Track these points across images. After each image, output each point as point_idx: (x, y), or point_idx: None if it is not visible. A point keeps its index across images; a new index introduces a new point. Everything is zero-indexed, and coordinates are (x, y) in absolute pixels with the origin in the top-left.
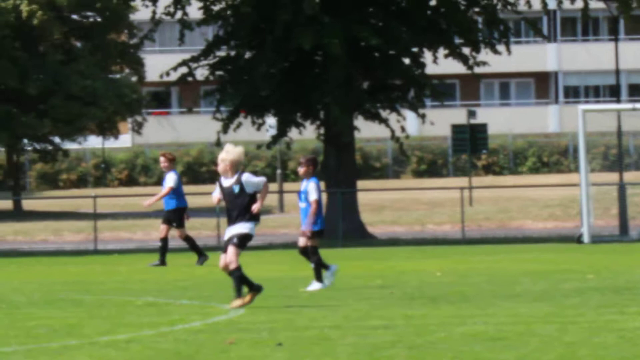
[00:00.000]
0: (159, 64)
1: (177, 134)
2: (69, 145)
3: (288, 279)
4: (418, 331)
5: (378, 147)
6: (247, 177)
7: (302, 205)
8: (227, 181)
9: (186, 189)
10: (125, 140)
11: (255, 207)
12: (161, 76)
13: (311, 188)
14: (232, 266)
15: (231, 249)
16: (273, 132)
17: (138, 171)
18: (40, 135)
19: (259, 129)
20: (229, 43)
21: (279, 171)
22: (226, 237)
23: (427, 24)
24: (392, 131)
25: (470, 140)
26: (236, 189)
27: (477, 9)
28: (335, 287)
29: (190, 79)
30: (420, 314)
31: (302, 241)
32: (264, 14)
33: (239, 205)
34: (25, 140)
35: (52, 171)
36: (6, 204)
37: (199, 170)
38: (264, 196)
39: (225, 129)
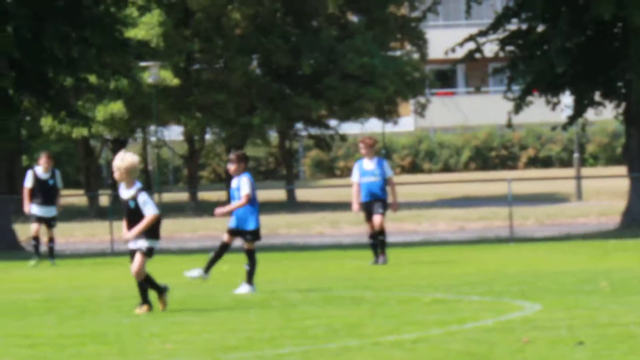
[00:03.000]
0: (443, 39)
1: (463, 115)
2: (346, 130)
3: (587, 272)
4: None
5: None
6: (143, 198)
7: None
8: (126, 192)
9: (474, 175)
10: (407, 123)
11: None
12: (446, 53)
13: (244, 182)
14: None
15: (139, 258)
16: (569, 112)
17: (422, 157)
18: (315, 118)
19: (553, 108)
20: (520, 15)
21: (575, 155)
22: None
23: None
24: None
25: None
26: (132, 204)
27: None
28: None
29: (477, 55)
30: None
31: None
32: None
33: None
34: (299, 125)
35: (328, 158)
36: (279, 194)
37: (488, 154)
38: (144, 226)
39: (516, 109)
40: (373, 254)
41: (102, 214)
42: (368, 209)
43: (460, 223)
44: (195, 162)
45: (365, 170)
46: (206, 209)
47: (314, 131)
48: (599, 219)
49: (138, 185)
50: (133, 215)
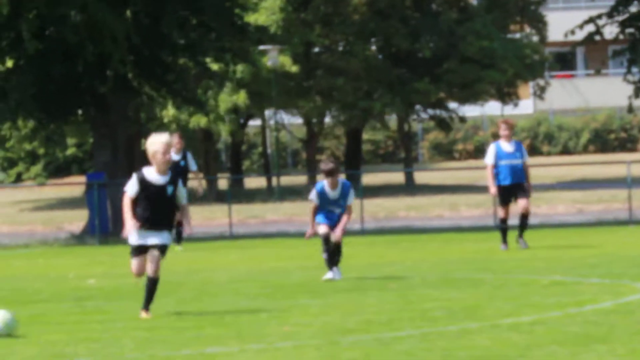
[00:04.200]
0: (563, 21)
1: (583, 98)
2: (465, 112)
3: None
4: None
5: None
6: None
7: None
8: (160, 178)
9: (593, 157)
10: (526, 106)
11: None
12: (566, 35)
13: (353, 194)
14: (158, 274)
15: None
16: None
17: (541, 139)
18: (435, 102)
19: None
20: None
21: None
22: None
23: None
24: None
25: None
26: (170, 189)
27: None
28: None
29: (597, 37)
30: None
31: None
32: None
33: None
34: (418, 107)
35: (447, 141)
36: (397, 177)
37: (607, 137)
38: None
39: (637, 93)
40: (502, 238)
41: (220, 197)
42: (508, 192)
43: (579, 205)
44: (314, 145)
45: (505, 152)
46: None
47: (433, 112)
48: None
49: (170, 172)
50: (166, 202)
